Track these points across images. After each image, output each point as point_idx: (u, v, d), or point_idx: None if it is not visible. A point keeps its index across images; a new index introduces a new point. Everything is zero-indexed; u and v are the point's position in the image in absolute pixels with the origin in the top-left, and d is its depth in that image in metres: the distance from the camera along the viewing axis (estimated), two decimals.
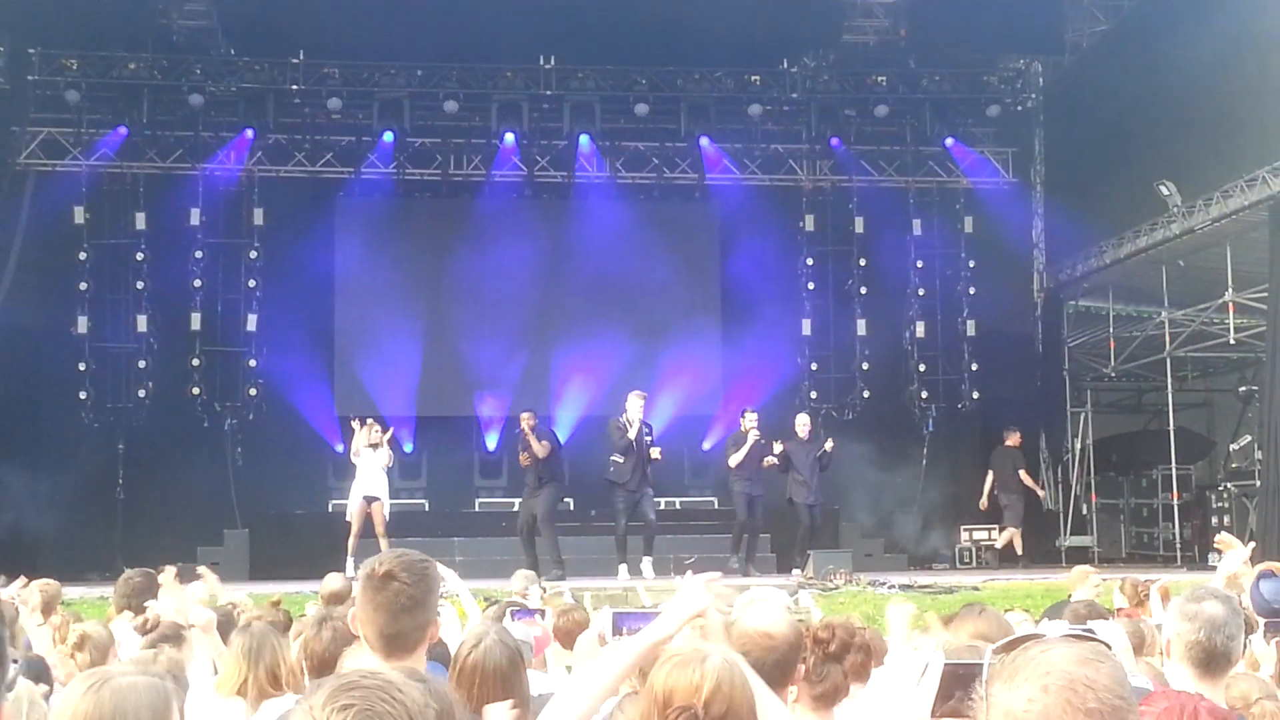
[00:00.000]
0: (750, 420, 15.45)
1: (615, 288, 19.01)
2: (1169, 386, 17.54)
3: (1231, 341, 16.10)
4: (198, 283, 18.57)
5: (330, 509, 17.55)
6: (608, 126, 19.09)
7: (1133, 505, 19.89)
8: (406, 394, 18.80)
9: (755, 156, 19.58)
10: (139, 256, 18.40)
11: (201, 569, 8.45)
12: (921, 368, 19.53)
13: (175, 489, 17.68)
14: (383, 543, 13.88)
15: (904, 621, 5.97)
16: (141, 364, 18.31)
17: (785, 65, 19.06)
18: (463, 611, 6.94)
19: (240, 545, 16.73)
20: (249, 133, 18.56)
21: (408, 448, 18.73)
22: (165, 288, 18.49)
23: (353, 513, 14.63)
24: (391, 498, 15.34)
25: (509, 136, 18.80)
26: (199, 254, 18.60)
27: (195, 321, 18.51)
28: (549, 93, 18.84)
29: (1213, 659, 3.71)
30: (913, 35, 18.53)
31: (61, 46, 17.98)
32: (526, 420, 14.78)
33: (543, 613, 6.65)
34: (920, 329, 19.56)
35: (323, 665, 4.52)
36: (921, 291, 19.64)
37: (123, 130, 18.28)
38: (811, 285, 19.66)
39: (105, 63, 18.19)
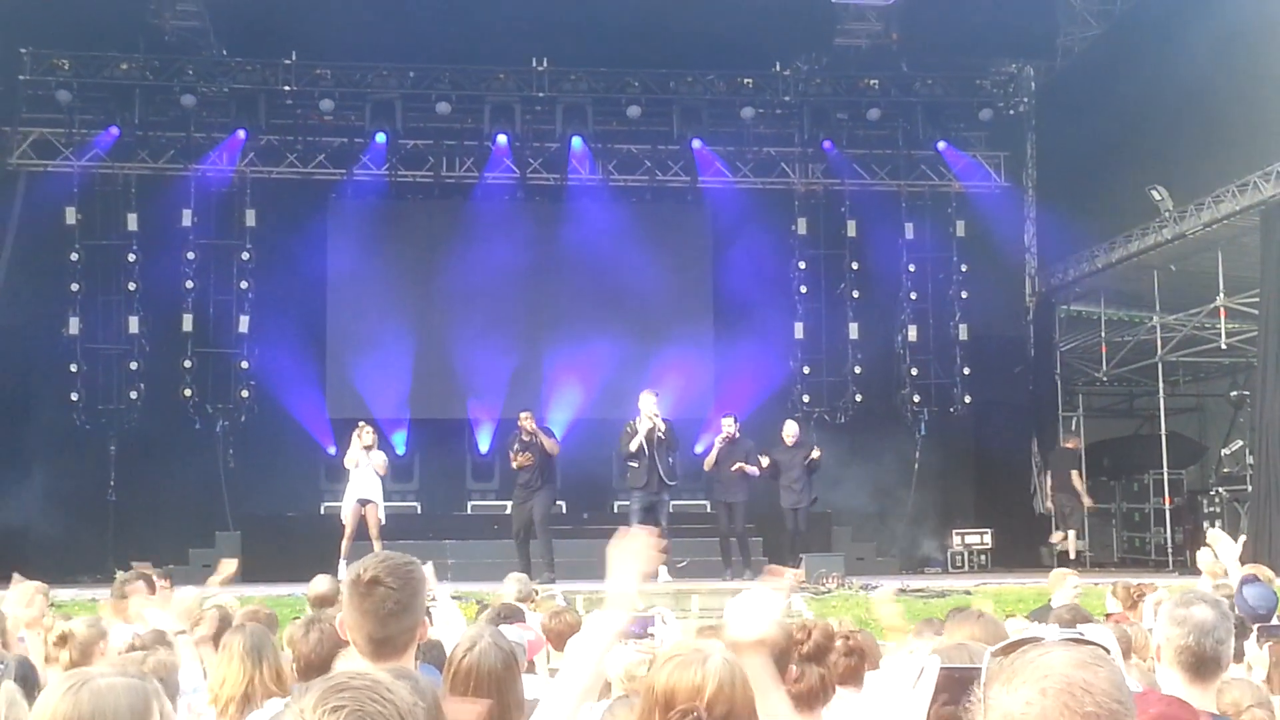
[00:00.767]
0: (728, 426, 15.39)
1: (607, 290, 19.01)
2: (1160, 391, 17.59)
3: (1223, 346, 16.15)
4: (189, 284, 18.55)
5: (322, 511, 17.50)
6: (600, 129, 19.09)
7: (1124, 510, 19.93)
8: (399, 396, 18.78)
9: (748, 159, 19.60)
10: (131, 257, 18.37)
11: (225, 561, 8.56)
12: (913, 371, 19.55)
13: (167, 491, 17.65)
14: (376, 545, 13.84)
15: (894, 613, 6.00)
16: (133, 365, 18.29)
17: (778, 68, 19.06)
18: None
19: (232, 547, 16.61)
20: (241, 134, 18.55)
21: (400, 450, 18.69)
22: (157, 289, 18.45)
23: (347, 515, 14.61)
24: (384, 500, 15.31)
25: (501, 138, 18.80)
26: (191, 255, 18.57)
27: (187, 323, 18.49)
28: (541, 95, 18.83)
29: (1202, 663, 3.71)
30: (905, 39, 18.54)
31: (53, 46, 17.94)
32: (527, 420, 14.76)
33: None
34: (912, 332, 19.57)
35: (310, 668, 4.50)
36: (913, 295, 19.67)
37: (114, 130, 18.24)
38: (804, 288, 19.67)
39: (97, 63, 18.16)
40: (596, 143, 19.18)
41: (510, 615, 6.66)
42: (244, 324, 18.70)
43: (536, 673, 5.80)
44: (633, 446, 14.42)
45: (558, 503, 16.39)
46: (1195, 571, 14.51)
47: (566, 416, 18.36)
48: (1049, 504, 17.94)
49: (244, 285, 18.79)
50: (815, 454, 15.61)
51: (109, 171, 18.45)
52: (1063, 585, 9.07)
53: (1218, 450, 18.10)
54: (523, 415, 14.89)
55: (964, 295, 19.54)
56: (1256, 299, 14.96)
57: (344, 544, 14.36)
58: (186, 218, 18.59)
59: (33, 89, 18.05)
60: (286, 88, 18.54)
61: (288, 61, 18.41)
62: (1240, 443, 16.74)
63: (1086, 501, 17.66)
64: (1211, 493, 17.34)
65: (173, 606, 6.54)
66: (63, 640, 5.42)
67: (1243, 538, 7.09)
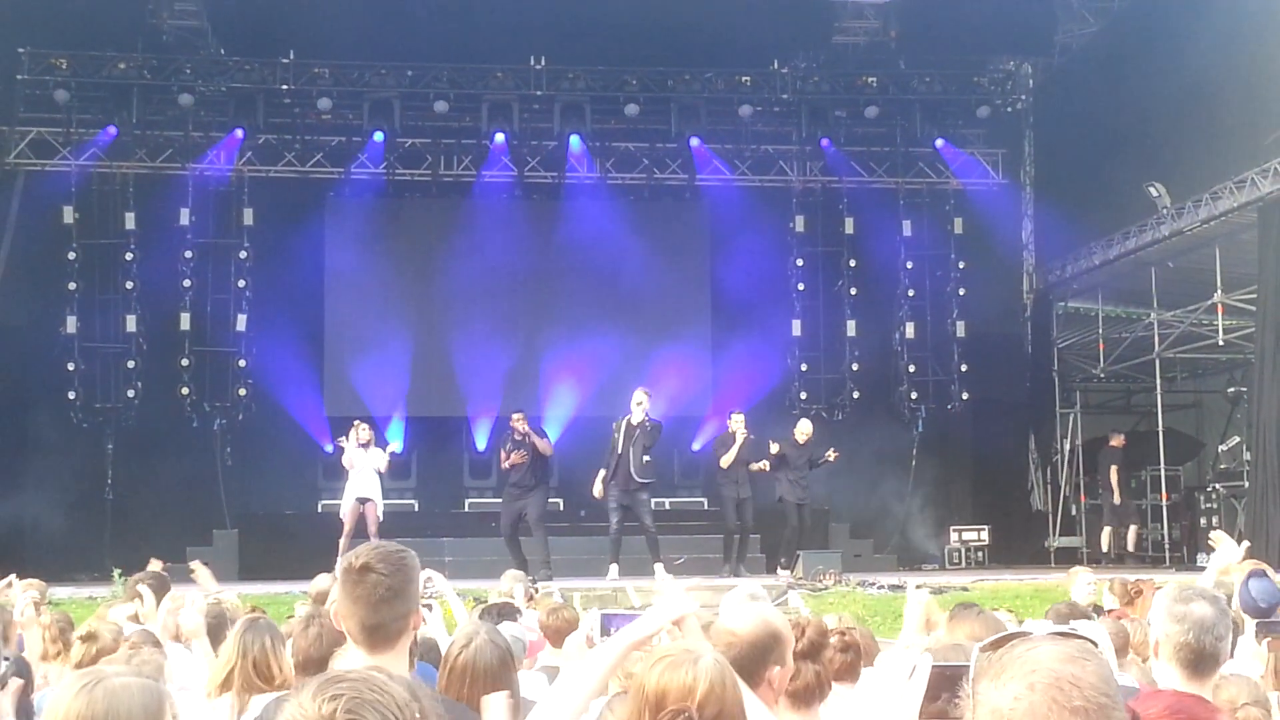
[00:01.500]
0: (737, 422, 15.35)
1: (605, 288, 19.02)
2: (1158, 388, 17.57)
3: (1220, 343, 16.14)
4: (187, 283, 18.54)
5: (320, 509, 17.52)
6: (598, 127, 19.07)
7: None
8: (396, 394, 18.78)
9: (745, 157, 19.59)
10: (128, 256, 18.37)
11: (194, 564, 8.39)
12: (911, 368, 19.55)
13: (164, 489, 17.67)
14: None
15: (920, 611, 5.94)
16: (131, 364, 18.28)
17: (776, 66, 19.04)
18: (450, 613, 6.92)
19: (229, 545, 16.68)
20: (239, 132, 18.52)
21: (397, 448, 18.66)
22: (154, 288, 18.45)
23: (346, 513, 14.61)
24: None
25: (499, 137, 18.78)
26: (188, 254, 18.57)
27: (184, 321, 18.49)
28: (539, 93, 18.81)
29: (1201, 660, 3.70)
30: (903, 36, 18.55)
31: (51, 46, 17.92)
32: (520, 421, 14.74)
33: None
34: (910, 330, 19.58)
35: (309, 664, 4.50)
36: (911, 292, 19.67)
37: (112, 130, 18.24)
38: (801, 286, 19.67)
39: (95, 62, 18.14)
40: (594, 141, 19.17)
41: (507, 613, 6.67)
42: (241, 322, 18.69)
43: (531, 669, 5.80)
44: (616, 437, 14.23)
45: (554, 500, 16.38)
46: (1191, 567, 14.59)
47: (564, 414, 18.37)
48: (1117, 497, 17.80)
49: (241, 284, 18.78)
50: (832, 455, 15.55)
51: (107, 170, 18.44)
52: (1076, 581, 9.04)
53: (1215, 446, 18.08)
54: (515, 416, 14.85)
55: (962, 292, 19.54)
56: (1254, 295, 14.97)
57: (342, 541, 14.34)
58: (184, 217, 18.59)
59: (31, 88, 18.03)
60: (284, 87, 18.52)
61: (285, 60, 18.38)
62: (1237, 439, 16.72)
63: (1116, 499, 17.71)
64: (1209, 489, 17.33)
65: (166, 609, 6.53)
66: (90, 638, 5.41)
67: (1246, 544, 7.05)
